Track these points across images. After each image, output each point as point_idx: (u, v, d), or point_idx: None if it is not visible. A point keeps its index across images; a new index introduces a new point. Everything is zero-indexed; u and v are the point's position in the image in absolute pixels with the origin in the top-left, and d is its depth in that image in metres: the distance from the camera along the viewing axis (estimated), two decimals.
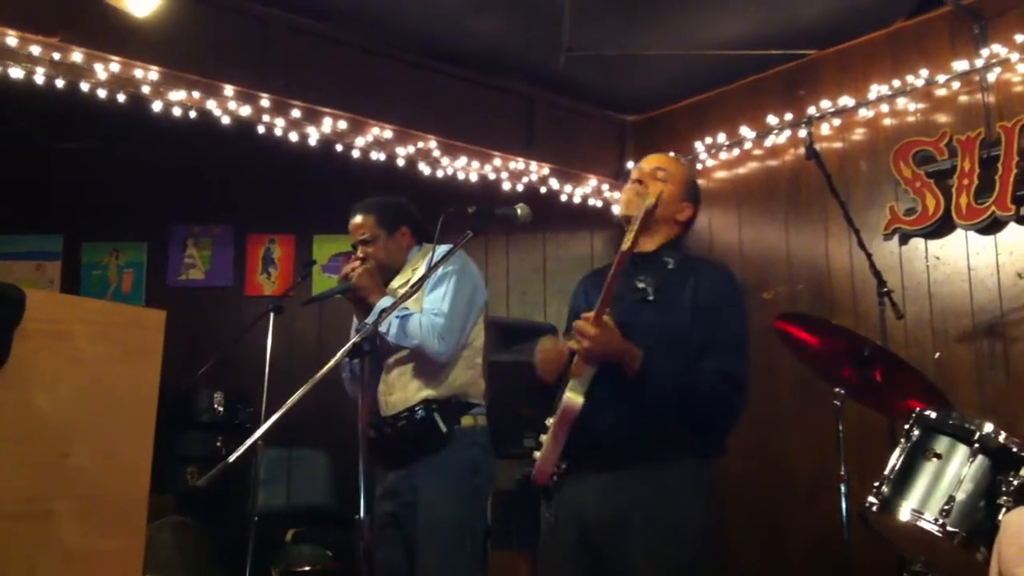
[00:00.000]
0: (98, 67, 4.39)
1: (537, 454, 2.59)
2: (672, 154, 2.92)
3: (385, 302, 3.25)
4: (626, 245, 2.39)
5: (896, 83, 4.83)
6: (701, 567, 2.50)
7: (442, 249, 3.14)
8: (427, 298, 3.30)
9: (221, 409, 5.01)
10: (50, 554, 2.70)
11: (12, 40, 4.18)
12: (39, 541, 2.68)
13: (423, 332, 3.22)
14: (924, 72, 4.73)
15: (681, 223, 2.77)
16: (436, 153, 5.35)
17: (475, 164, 5.52)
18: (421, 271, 3.31)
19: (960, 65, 4.61)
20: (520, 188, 5.64)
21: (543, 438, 2.58)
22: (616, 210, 2.78)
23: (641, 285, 2.58)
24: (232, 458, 2.26)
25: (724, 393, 2.51)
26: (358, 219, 3.47)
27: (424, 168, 5.37)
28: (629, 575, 2.46)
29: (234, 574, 4.10)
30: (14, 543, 2.64)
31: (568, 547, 2.60)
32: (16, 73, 4.27)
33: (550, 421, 2.56)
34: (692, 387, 2.48)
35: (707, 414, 2.53)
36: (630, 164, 2.89)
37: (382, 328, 3.17)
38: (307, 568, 4.53)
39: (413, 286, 2.92)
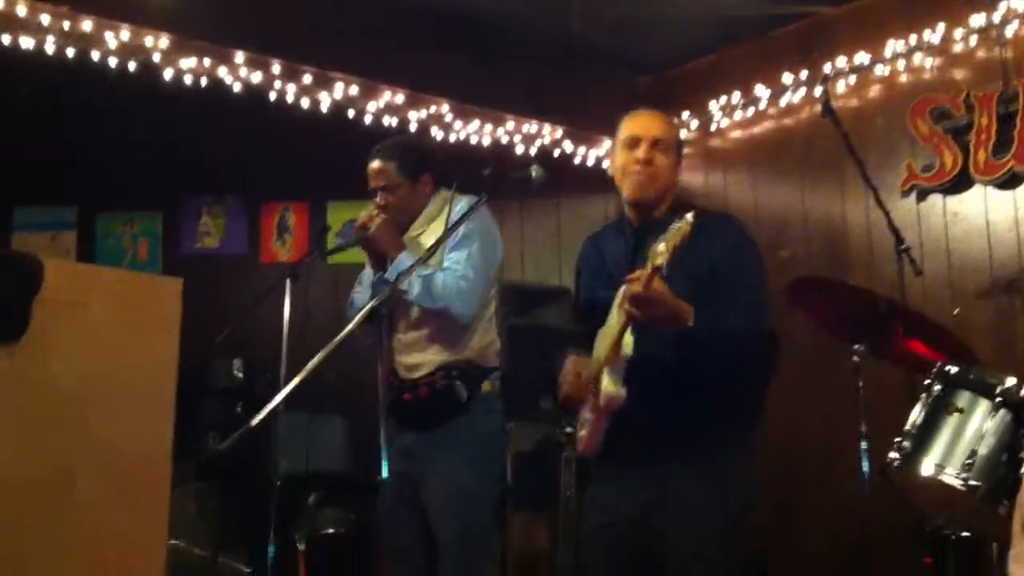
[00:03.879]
0: (108, 35, 4.38)
1: (582, 433, 2.60)
2: (663, 114, 2.82)
3: (404, 259, 3.12)
4: (663, 259, 2.27)
5: (912, 39, 4.77)
6: (739, 543, 2.55)
7: (462, 203, 3.10)
8: (449, 256, 3.19)
9: (240, 376, 5.04)
10: (73, 522, 2.72)
11: (22, 9, 4.17)
12: (62, 509, 2.71)
13: (448, 294, 3.12)
14: (940, 27, 4.67)
15: (676, 183, 2.75)
16: (448, 117, 5.33)
17: (487, 128, 5.50)
18: (440, 222, 3.21)
19: (977, 20, 4.55)
20: (533, 151, 5.62)
21: (584, 416, 2.58)
22: (624, 193, 2.69)
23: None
24: (254, 422, 2.27)
25: (767, 350, 2.55)
26: (377, 164, 3.32)
27: (437, 132, 5.35)
28: (669, 550, 2.50)
29: (257, 539, 4.14)
30: (37, 512, 2.66)
31: (607, 521, 2.64)
32: (27, 43, 4.27)
33: (588, 408, 2.57)
34: (745, 337, 2.49)
35: (751, 369, 2.55)
36: (622, 128, 2.77)
37: (403, 286, 3.06)
38: (331, 531, 4.56)
39: (430, 249, 2.89)
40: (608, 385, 2.42)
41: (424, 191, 3.36)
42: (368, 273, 3.36)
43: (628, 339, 2.39)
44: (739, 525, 2.57)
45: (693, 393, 2.49)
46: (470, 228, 3.17)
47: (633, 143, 2.66)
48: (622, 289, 2.46)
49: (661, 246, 2.26)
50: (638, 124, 2.70)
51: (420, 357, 3.25)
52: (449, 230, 2.92)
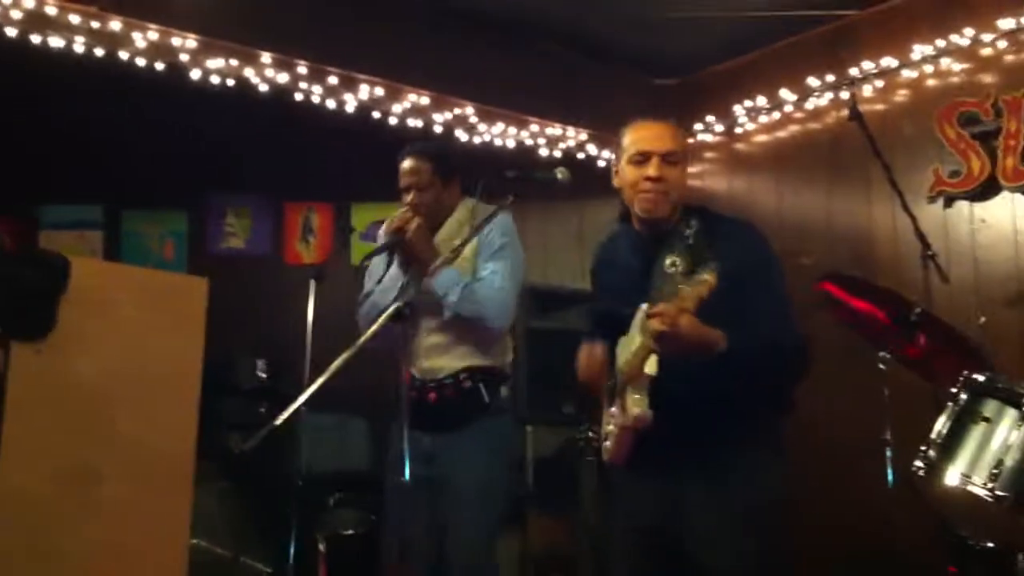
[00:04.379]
0: (136, 36, 4.41)
1: (608, 444, 2.60)
2: (670, 122, 2.74)
3: (445, 267, 3.16)
4: (691, 305, 2.25)
5: (940, 43, 4.73)
6: (779, 534, 2.54)
7: (486, 210, 3.11)
8: (485, 266, 3.25)
9: (264, 376, 5.05)
10: (99, 517, 2.74)
11: (51, 9, 4.20)
12: (88, 504, 2.73)
13: (487, 304, 3.20)
14: (969, 31, 4.63)
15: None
16: (473, 119, 5.33)
17: (512, 130, 5.50)
18: (466, 229, 3.23)
19: (1006, 23, 4.51)
20: (557, 154, 5.62)
21: (609, 428, 2.58)
22: (636, 209, 2.64)
23: (668, 265, 2.52)
24: (278, 421, 2.28)
25: (797, 357, 2.53)
26: (412, 163, 3.34)
27: (461, 134, 5.35)
28: (706, 545, 2.49)
29: (278, 538, 4.15)
30: (64, 506, 2.68)
31: (636, 537, 2.64)
32: (56, 42, 4.30)
33: (613, 420, 2.56)
34: (778, 353, 2.46)
35: (785, 378, 2.55)
36: (627, 139, 2.70)
37: (440, 292, 3.15)
38: (351, 532, 4.57)
39: (455, 251, 2.90)
40: (633, 405, 2.41)
41: (454, 194, 3.40)
42: (393, 274, 3.35)
43: (652, 360, 2.37)
44: (769, 528, 2.54)
45: (722, 406, 2.47)
46: (505, 240, 3.26)
47: (643, 158, 2.59)
48: (642, 309, 2.45)
49: (689, 289, 2.24)
50: (646, 138, 2.64)
51: (443, 361, 3.29)
52: (474, 231, 2.91)
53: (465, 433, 3.24)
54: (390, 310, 2.59)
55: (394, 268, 3.32)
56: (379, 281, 3.36)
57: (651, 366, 2.36)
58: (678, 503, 2.53)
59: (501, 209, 2.93)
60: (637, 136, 2.65)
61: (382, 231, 3.38)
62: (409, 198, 3.31)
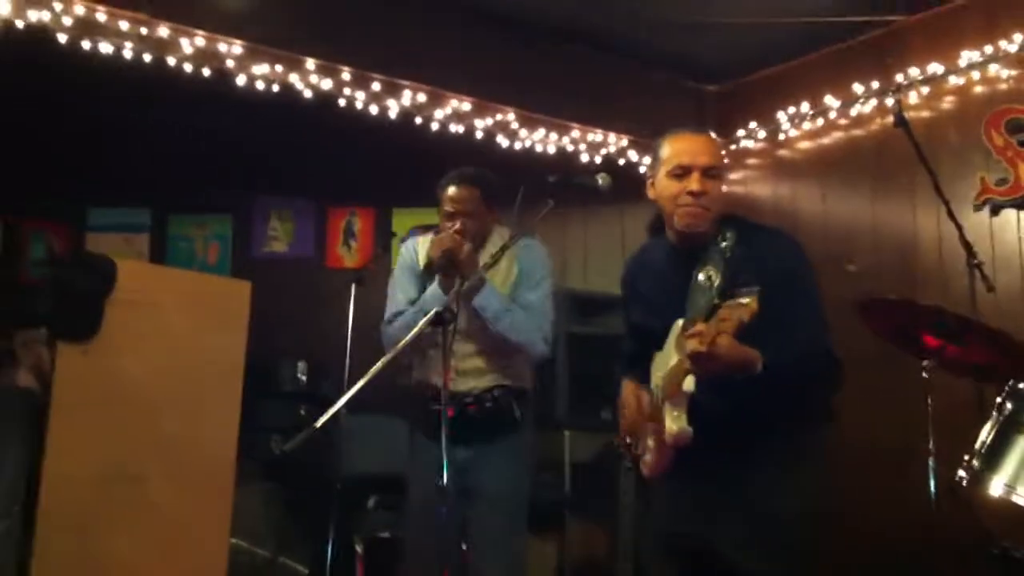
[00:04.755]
0: (184, 41, 4.47)
1: (647, 458, 2.60)
2: (710, 134, 2.71)
3: (490, 291, 3.30)
4: (731, 327, 2.20)
5: (988, 49, 4.67)
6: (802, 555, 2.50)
7: (524, 240, 3.29)
8: (527, 296, 3.39)
9: (304, 379, 5.10)
10: (143, 515, 2.79)
11: (101, 16, 4.27)
12: (132, 504, 2.77)
13: (530, 332, 3.34)
14: (1018, 37, 4.57)
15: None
16: (514, 125, 5.34)
17: (553, 136, 5.50)
18: (505, 258, 3.27)
19: None
20: (598, 160, 5.61)
21: (648, 444, 2.58)
22: (676, 224, 2.60)
23: (703, 279, 2.50)
24: (319, 423, 2.30)
25: (833, 373, 2.51)
26: (463, 191, 3.40)
27: (502, 140, 5.36)
28: (739, 546, 2.47)
29: (318, 539, 4.19)
30: (109, 505, 2.73)
31: (674, 542, 2.63)
32: (106, 48, 4.37)
33: (652, 435, 2.57)
34: (811, 375, 2.46)
35: (820, 396, 2.54)
36: (665, 151, 2.65)
37: (489, 314, 3.28)
38: (388, 534, 4.60)
39: (494, 256, 2.93)
40: (672, 424, 2.41)
41: (494, 220, 3.49)
42: (432, 295, 3.36)
43: (690, 378, 2.36)
44: (802, 540, 2.51)
45: (759, 419, 2.46)
46: (545, 271, 3.46)
47: (683, 172, 2.56)
48: (678, 325, 2.44)
49: (729, 311, 2.20)
50: (687, 151, 2.59)
51: (477, 382, 3.38)
52: (502, 250, 2.93)
53: (498, 446, 3.35)
54: (430, 314, 2.60)
55: (434, 288, 3.36)
56: (413, 302, 3.42)
57: (689, 384, 2.35)
58: (714, 512, 2.52)
59: (535, 220, 2.95)
60: (677, 148, 2.61)
61: (429, 252, 3.39)
62: (457, 225, 3.35)
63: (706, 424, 2.40)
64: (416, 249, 3.53)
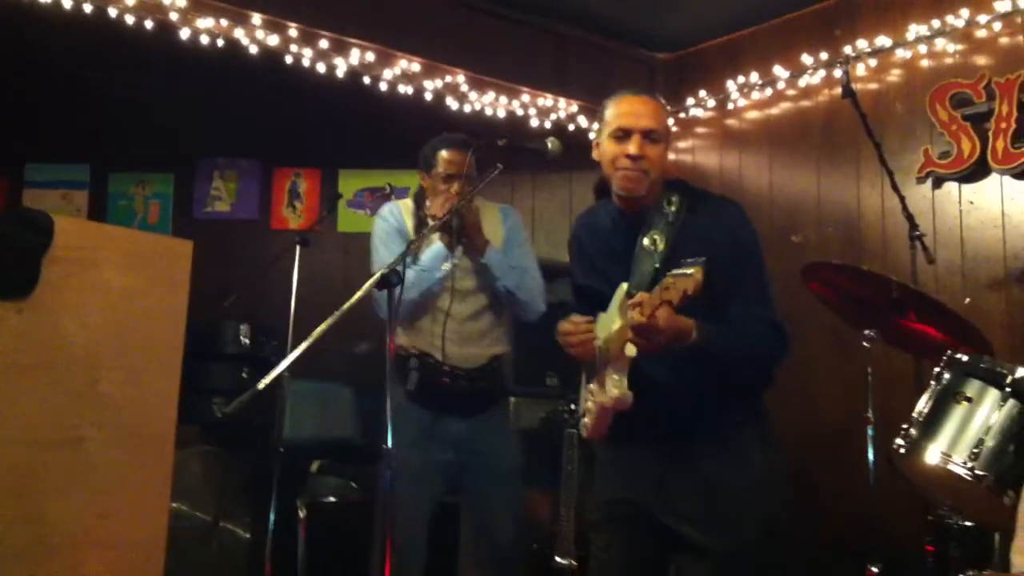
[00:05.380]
0: None
1: (586, 420, 2.60)
2: (655, 98, 2.67)
3: (493, 252, 3.41)
4: (674, 298, 2.18)
5: (936, 23, 4.71)
6: (767, 514, 2.53)
7: (505, 208, 3.59)
8: (519, 257, 3.50)
9: (247, 341, 5.04)
10: (81, 479, 2.73)
11: None
12: (71, 467, 2.71)
13: (532, 290, 3.45)
14: (965, 12, 4.61)
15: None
16: (464, 88, 5.29)
17: (503, 100, 5.46)
18: (489, 218, 3.52)
19: (1002, 5, 4.49)
20: (548, 125, 5.59)
21: (588, 406, 2.58)
22: (615, 186, 2.59)
23: (648, 244, 2.50)
24: (260, 385, 2.27)
25: (776, 342, 2.51)
26: (458, 155, 3.42)
27: (452, 103, 5.31)
28: (693, 524, 2.48)
29: (259, 504, 4.15)
30: (47, 469, 2.67)
31: (619, 492, 2.64)
32: None
33: (592, 395, 2.56)
34: (750, 345, 2.46)
35: (762, 366, 2.55)
36: (609, 112, 2.64)
37: (498, 273, 3.38)
38: (332, 499, 4.58)
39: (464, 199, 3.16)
40: (613, 386, 2.41)
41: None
42: (434, 254, 3.40)
43: (631, 345, 2.34)
44: (755, 503, 2.52)
45: (702, 387, 2.47)
46: (525, 235, 3.60)
47: (623, 135, 2.55)
48: (622, 288, 2.41)
49: (674, 280, 2.18)
50: (629, 113, 2.57)
51: (478, 349, 3.45)
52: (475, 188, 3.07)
53: (493, 416, 3.48)
54: (375, 276, 2.57)
55: (438, 248, 3.39)
56: (414, 262, 3.41)
57: (631, 349, 2.33)
58: (659, 480, 2.53)
59: (489, 177, 2.99)
60: (619, 111, 2.60)
61: (431, 211, 3.42)
62: (454, 187, 3.39)
63: (649, 391, 2.40)
64: (400, 212, 3.55)
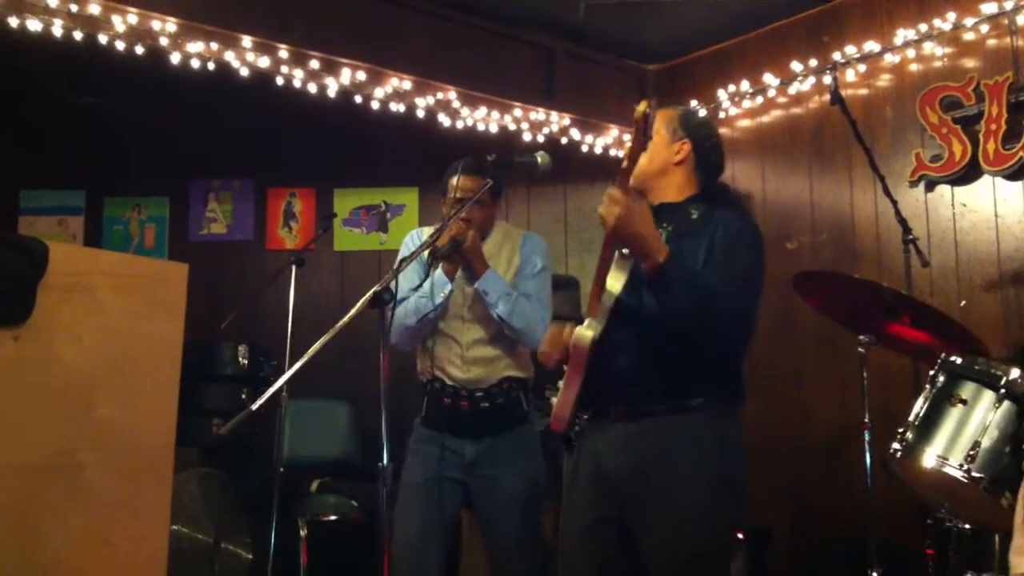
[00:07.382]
0: (116, 19, 4.36)
1: (554, 400, 2.62)
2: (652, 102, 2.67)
3: (492, 276, 3.39)
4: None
5: (923, 27, 4.74)
6: (720, 516, 2.50)
7: (526, 234, 3.56)
8: (527, 284, 3.47)
9: (245, 362, 5.03)
10: (80, 505, 2.73)
11: None
12: (69, 492, 2.71)
13: (531, 319, 3.38)
14: (952, 16, 4.63)
15: (682, 162, 2.74)
16: (456, 104, 5.31)
17: (495, 115, 5.47)
18: (507, 249, 3.53)
19: (989, 8, 4.51)
20: (541, 139, 5.60)
21: (560, 384, 2.61)
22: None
23: (659, 231, 2.54)
24: (255, 406, 2.27)
25: (734, 325, 2.49)
26: (467, 181, 3.41)
27: (444, 119, 5.33)
28: (646, 525, 2.48)
29: (260, 524, 4.16)
30: (45, 494, 2.67)
31: (587, 496, 2.63)
32: (34, 25, 4.26)
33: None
34: (709, 291, 2.42)
35: (716, 330, 2.46)
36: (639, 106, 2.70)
37: (493, 298, 3.34)
38: (333, 517, 4.58)
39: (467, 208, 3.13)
40: (580, 328, 2.48)
41: (497, 213, 3.61)
42: (435, 281, 3.42)
43: (614, 284, 2.45)
44: (719, 499, 2.49)
45: (667, 354, 2.48)
46: (545, 263, 3.55)
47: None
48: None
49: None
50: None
51: (485, 370, 3.43)
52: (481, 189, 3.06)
53: (509, 439, 3.43)
54: (367, 295, 2.57)
55: (438, 275, 3.41)
56: (415, 288, 3.43)
57: (612, 289, 2.47)
58: (634, 473, 2.51)
59: (483, 191, 3.06)
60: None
61: (436, 238, 3.41)
62: (464, 212, 3.33)
63: (615, 389, 2.49)
64: (421, 237, 3.55)
